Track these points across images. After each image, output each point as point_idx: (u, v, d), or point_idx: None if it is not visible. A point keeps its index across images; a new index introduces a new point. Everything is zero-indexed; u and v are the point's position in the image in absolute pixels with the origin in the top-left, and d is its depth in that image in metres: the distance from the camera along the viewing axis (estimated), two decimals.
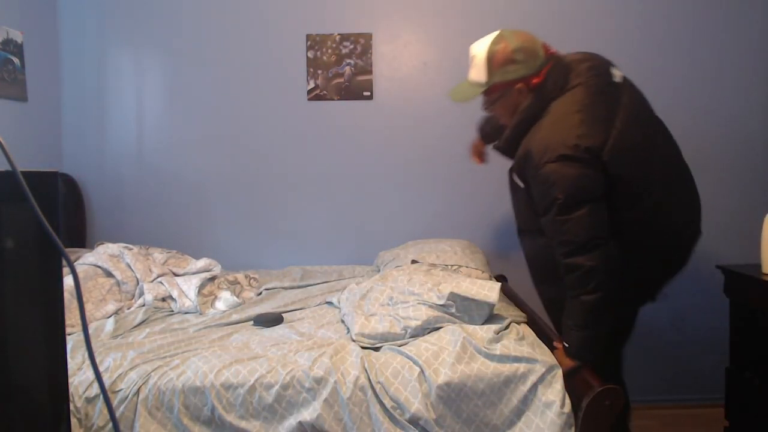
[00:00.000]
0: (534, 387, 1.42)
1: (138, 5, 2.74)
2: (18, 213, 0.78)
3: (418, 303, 1.64)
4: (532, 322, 1.80)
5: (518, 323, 1.72)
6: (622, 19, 2.67)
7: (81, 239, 2.75)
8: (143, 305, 2.04)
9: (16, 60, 2.46)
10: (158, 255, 2.38)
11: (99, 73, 2.77)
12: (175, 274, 2.27)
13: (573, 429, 1.39)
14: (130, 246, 2.35)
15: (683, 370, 2.72)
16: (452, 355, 1.46)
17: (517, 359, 1.45)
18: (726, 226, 2.69)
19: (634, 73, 2.67)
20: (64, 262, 0.84)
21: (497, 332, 1.57)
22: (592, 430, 1.35)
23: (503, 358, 1.45)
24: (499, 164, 2.73)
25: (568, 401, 1.41)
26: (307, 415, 1.41)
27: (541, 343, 1.57)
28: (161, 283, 2.12)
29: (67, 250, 1.32)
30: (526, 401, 1.42)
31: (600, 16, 2.67)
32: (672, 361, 2.73)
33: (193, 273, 2.28)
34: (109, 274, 2.11)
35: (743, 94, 2.68)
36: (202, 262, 2.36)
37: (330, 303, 2.12)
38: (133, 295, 2.10)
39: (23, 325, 0.82)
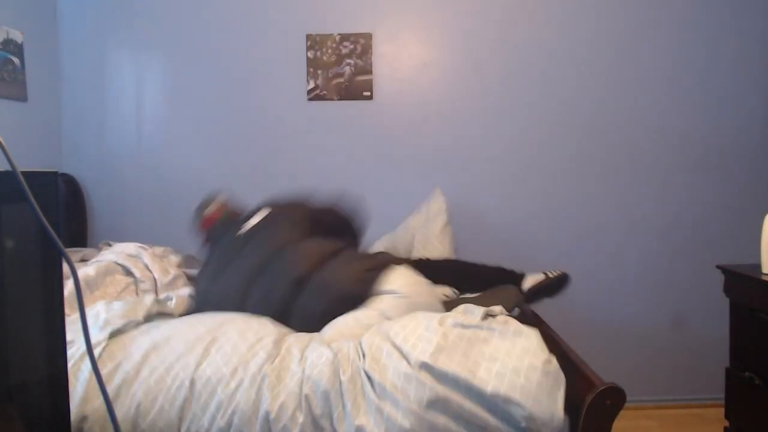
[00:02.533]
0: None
1: (138, 5, 2.74)
2: (18, 213, 0.78)
3: None
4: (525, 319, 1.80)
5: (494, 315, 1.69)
6: (621, 21, 2.67)
7: (81, 239, 2.75)
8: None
9: (16, 60, 2.46)
10: (173, 257, 2.37)
11: (99, 73, 2.77)
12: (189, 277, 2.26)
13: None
14: (145, 246, 2.35)
15: (683, 370, 2.72)
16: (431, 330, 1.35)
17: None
18: (726, 226, 2.69)
19: (635, 74, 2.69)
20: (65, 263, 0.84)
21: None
22: (593, 430, 1.35)
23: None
24: (498, 166, 2.74)
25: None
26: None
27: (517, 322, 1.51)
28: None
29: (67, 250, 1.31)
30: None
31: (599, 16, 2.67)
32: (672, 361, 2.73)
33: None
34: (128, 273, 2.10)
35: (743, 94, 2.68)
36: None
37: None
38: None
39: (23, 325, 0.82)
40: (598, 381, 1.36)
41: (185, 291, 2.01)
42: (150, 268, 2.16)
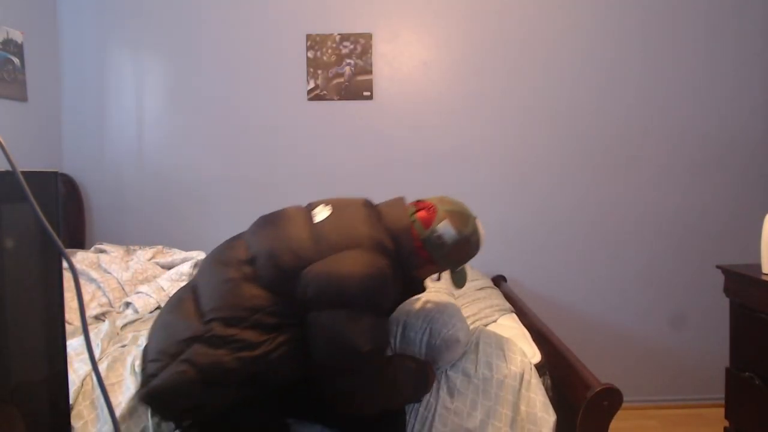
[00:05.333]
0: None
1: (138, 5, 2.74)
2: (18, 213, 0.78)
3: None
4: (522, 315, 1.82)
5: (486, 326, 1.72)
6: (623, 21, 2.67)
7: (81, 239, 2.75)
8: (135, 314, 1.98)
9: (16, 60, 2.46)
10: (141, 252, 2.36)
11: (99, 73, 2.77)
12: (161, 266, 2.25)
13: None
14: (105, 249, 2.34)
15: (683, 370, 2.72)
16: None
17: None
18: (726, 226, 2.69)
19: (636, 74, 2.69)
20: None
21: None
22: (590, 430, 1.35)
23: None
24: (497, 165, 2.74)
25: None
26: None
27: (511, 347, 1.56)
28: (148, 295, 2.03)
29: (67, 250, 1.31)
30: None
31: (599, 15, 2.67)
32: (672, 361, 2.73)
33: (180, 261, 2.27)
34: (91, 279, 2.09)
35: (743, 94, 2.68)
36: (187, 254, 2.34)
37: None
38: (110, 300, 2.05)
39: (23, 325, 0.82)
40: (595, 382, 1.36)
41: (146, 288, 2.02)
42: (108, 270, 2.15)
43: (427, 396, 1.41)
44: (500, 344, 1.52)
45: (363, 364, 1.21)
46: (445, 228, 1.34)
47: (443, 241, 1.34)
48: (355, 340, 1.17)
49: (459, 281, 1.44)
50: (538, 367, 1.50)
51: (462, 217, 1.38)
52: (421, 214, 1.36)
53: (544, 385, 1.47)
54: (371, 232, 1.29)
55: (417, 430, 1.40)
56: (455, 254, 1.37)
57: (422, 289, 1.51)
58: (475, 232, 1.39)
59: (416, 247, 1.33)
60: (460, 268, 1.43)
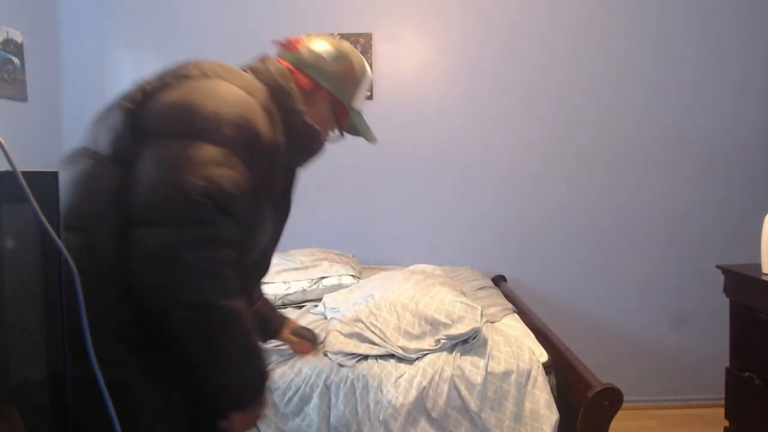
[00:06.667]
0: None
1: (138, 5, 2.74)
2: (18, 213, 0.78)
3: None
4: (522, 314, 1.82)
5: (492, 322, 1.73)
6: (623, 20, 2.67)
7: None
8: None
9: (16, 60, 2.46)
10: None
11: (99, 73, 2.77)
12: None
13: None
14: None
15: (683, 370, 2.72)
16: None
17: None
18: (726, 226, 2.69)
19: (635, 73, 2.69)
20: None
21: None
22: (590, 430, 1.35)
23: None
24: (498, 166, 2.73)
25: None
26: None
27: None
28: None
29: None
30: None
31: (601, 18, 2.67)
32: (672, 361, 2.73)
33: None
34: None
35: (743, 94, 2.68)
36: None
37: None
38: None
39: (23, 325, 0.82)
40: (596, 382, 1.36)
41: None
42: None
43: (441, 382, 1.42)
44: (509, 341, 1.54)
45: (187, 215, 0.87)
46: (316, 43, 1.16)
47: (319, 55, 1.15)
48: (188, 175, 0.86)
49: (367, 133, 1.24)
50: (545, 366, 1.51)
51: (334, 38, 1.22)
52: (284, 44, 1.20)
53: (549, 384, 1.48)
54: (225, 64, 1.07)
55: (434, 416, 1.42)
56: (340, 70, 1.17)
57: (320, 145, 1.23)
58: (354, 52, 1.21)
59: (288, 69, 1.13)
60: (359, 118, 1.22)
